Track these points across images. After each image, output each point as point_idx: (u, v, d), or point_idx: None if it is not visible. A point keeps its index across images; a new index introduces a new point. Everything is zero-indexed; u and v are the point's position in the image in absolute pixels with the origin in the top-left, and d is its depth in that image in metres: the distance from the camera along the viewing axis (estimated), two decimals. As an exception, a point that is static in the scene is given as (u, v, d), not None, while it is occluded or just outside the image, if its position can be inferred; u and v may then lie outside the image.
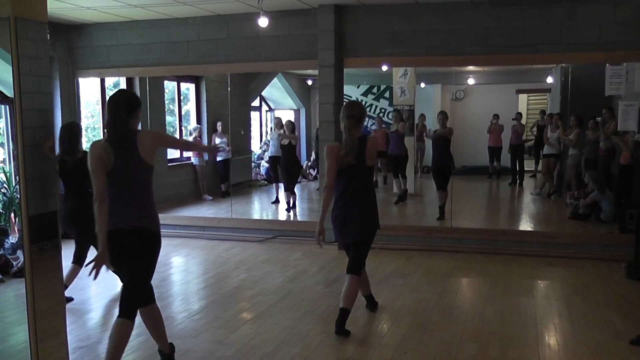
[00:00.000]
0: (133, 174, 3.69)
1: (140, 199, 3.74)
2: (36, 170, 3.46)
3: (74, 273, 5.70)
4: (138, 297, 3.81)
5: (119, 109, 3.70)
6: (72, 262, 5.71)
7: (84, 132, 9.93)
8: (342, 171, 4.69)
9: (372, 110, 15.41)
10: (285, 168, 10.26)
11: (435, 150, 9.30)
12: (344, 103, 5.76)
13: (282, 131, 10.27)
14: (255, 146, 14.11)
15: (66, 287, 5.39)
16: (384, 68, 8.60)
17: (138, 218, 3.71)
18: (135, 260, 3.74)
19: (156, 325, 3.97)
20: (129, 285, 3.78)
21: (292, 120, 10.71)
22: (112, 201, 3.62)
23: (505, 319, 5.15)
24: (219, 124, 11.74)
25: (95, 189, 3.61)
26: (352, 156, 4.64)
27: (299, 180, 13.09)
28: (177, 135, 11.41)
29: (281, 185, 10.63)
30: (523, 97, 14.83)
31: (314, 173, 13.34)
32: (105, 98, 9.87)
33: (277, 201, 10.76)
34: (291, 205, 10.19)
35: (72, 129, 5.77)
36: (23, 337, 3.69)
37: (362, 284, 5.18)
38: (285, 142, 10.17)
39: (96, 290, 6.20)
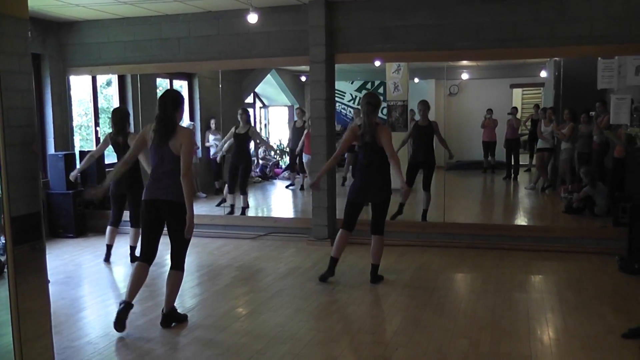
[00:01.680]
0: (161, 158, 4.70)
1: (168, 177, 4.68)
2: (20, 169, 3.40)
3: (136, 234, 6.86)
4: (180, 255, 4.88)
5: (166, 104, 4.68)
6: (131, 226, 6.96)
7: (77, 131, 9.91)
8: (360, 147, 5.91)
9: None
10: (233, 165, 9.30)
11: (416, 144, 8.66)
12: (365, 93, 6.34)
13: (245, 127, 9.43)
14: (251, 144, 14.03)
15: (134, 247, 6.98)
16: (377, 63, 8.55)
17: (163, 193, 4.69)
18: (174, 229, 4.78)
19: (170, 287, 4.92)
20: (175, 246, 4.87)
21: (246, 109, 9.79)
22: (150, 177, 4.82)
23: (498, 314, 5.13)
24: (212, 121, 11.68)
25: (125, 155, 5.05)
26: (369, 135, 5.76)
27: (275, 175, 12.85)
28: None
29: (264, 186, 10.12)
30: (517, 92, 14.81)
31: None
32: (97, 96, 9.80)
33: (223, 201, 9.69)
34: (244, 207, 9.35)
35: (122, 114, 6.86)
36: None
37: (341, 245, 6.11)
38: (242, 130, 9.27)
39: (88, 289, 6.16)
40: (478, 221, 8.96)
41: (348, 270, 6.58)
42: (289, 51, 8.04)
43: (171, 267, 4.94)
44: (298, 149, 11.75)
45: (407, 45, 7.63)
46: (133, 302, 4.86)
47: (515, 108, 13.13)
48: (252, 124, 9.83)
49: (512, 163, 12.62)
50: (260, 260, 7.15)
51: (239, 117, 9.47)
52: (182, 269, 4.93)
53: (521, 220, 9.27)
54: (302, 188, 12.25)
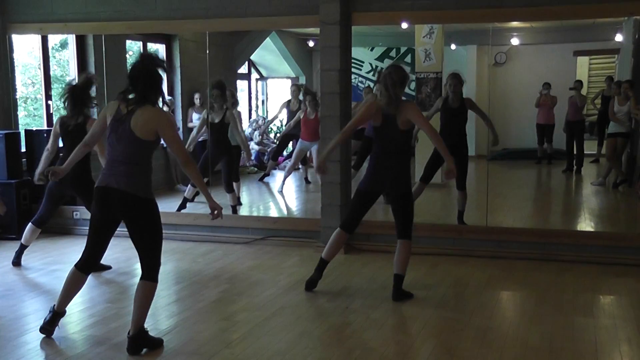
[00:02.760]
0: (118, 137, 4.81)
1: (123, 164, 4.80)
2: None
3: (33, 233, 7.28)
4: (149, 262, 4.93)
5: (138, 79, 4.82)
6: (32, 222, 7.25)
7: (21, 104, 9.87)
8: (378, 128, 6.09)
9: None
10: (212, 160, 9.29)
11: (444, 130, 8.14)
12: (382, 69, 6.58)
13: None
14: (243, 124, 14.05)
15: (25, 247, 7.31)
16: (404, 25, 8.48)
17: (117, 180, 4.78)
18: (133, 231, 4.93)
19: (139, 303, 4.92)
20: (140, 251, 4.96)
21: (220, 83, 9.26)
22: (106, 161, 4.94)
23: (556, 345, 5.10)
24: (196, 95, 11.69)
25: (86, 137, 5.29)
26: (393, 108, 5.93)
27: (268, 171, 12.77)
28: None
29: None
30: (583, 61, 14.74)
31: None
32: (48, 61, 9.70)
33: (183, 206, 9.35)
34: (233, 205, 9.38)
35: (82, 88, 6.88)
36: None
37: (335, 247, 6.37)
38: (215, 118, 9.13)
39: (35, 306, 6.14)
40: (530, 225, 8.92)
41: (366, 285, 6.58)
42: (295, 9, 8.01)
43: (141, 277, 4.97)
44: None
45: (443, 3, 7.59)
46: (65, 310, 5.21)
47: (580, 82, 13.07)
48: (233, 105, 9.68)
49: (575, 152, 12.56)
50: (256, 271, 7.15)
51: (212, 99, 9.21)
52: (154, 280, 4.96)
53: (586, 224, 9.23)
54: (307, 181, 12.25)
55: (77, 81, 7.19)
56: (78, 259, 5.10)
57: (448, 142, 8.15)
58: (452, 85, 8.34)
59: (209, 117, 9.25)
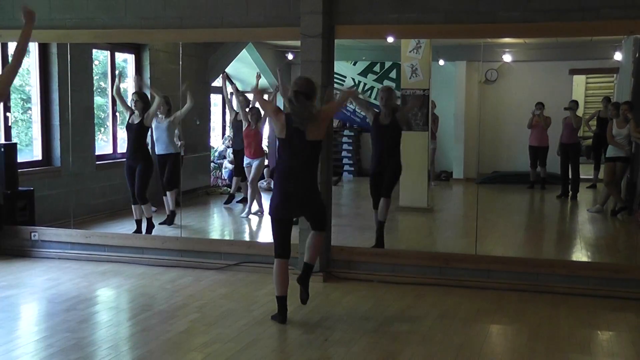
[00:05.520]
0: None
1: None
2: None
3: None
4: None
5: None
6: None
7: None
8: (286, 140, 6.19)
9: (374, 95, 15.41)
10: (128, 167, 9.52)
11: (376, 147, 8.89)
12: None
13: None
14: (216, 141, 14.06)
15: None
16: (390, 40, 8.57)
17: None
18: None
19: None
20: None
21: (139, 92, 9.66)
22: None
23: (548, 382, 5.12)
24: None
25: None
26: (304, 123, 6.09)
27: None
28: (109, 123, 11.38)
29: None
30: (580, 80, 14.89)
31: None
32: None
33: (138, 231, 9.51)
34: (137, 219, 9.56)
35: None
36: None
37: (283, 279, 6.36)
38: (135, 119, 9.38)
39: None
40: (522, 254, 8.96)
41: (346, 316, 6.57)
42: (274, 20, 8.04)
43: None
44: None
45: (431, 16, 7.64)
46: None
47: (576, 102, 13.19)
48: (169, 112, 9.98)
49: (570, 176, 12.63)
50: (228, 299, 7.13)
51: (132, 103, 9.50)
52: None
53: (582, 254, 9.28)
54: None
55: None
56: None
57: (382, 160, 8.67)
58: (384, 99, 8.69)
59: (130, 119, 9.40)
